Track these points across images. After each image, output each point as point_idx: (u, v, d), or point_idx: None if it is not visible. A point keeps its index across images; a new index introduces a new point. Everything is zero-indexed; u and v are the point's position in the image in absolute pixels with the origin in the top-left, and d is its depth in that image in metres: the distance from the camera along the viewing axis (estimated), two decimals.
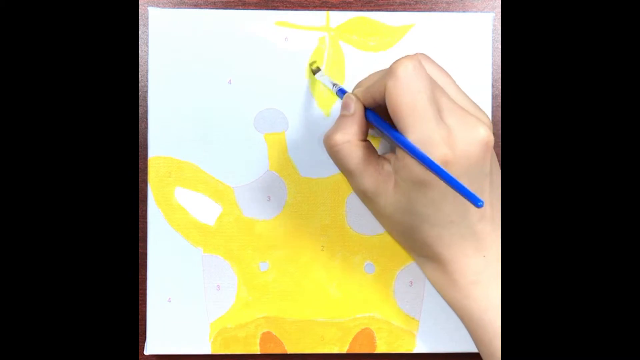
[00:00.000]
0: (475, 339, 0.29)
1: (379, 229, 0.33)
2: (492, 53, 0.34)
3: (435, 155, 0.24)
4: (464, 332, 0.33)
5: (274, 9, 0.34)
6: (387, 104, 0.25)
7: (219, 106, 0.33)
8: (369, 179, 0.28)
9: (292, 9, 0.34)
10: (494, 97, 0.34)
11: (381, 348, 0.33)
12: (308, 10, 0.34)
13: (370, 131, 0.31)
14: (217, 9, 0.34)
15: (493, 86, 0.34)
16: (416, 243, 0.29)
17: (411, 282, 0.33)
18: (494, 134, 0.33)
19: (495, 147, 0.33)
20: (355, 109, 0.28)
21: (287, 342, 0.33)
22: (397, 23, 0.33)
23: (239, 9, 0.34)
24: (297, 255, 0.33)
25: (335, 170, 0.33)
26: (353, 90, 0.29)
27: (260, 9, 0.34)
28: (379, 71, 0.29)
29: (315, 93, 0.33)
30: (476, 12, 0.35)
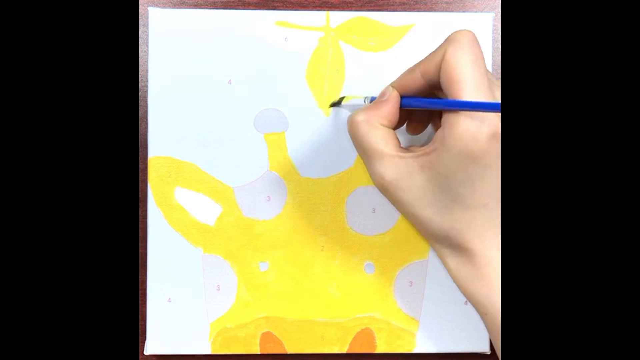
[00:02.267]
0: (495, 334, 0.27)
1: (379, 229, 0.33)
2: (492, 53, 0.34)
3: (488, 123, 0.24)
4: (464, 332, 0.33)
5: (274, 9, 0.34)
6: (445, 69, 0.25)
7: (219, 106, 0.33)
8: (388, 161, 0.27)
9: (292, 9, 0.34)
10: None
11: (381, 348, 0.33)
12: (308, 10, 0.34)
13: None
14: (217, 9, 0.34)
15: None
16: (442, 229, 0.27)
17: (411, 282, 0.33)
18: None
19: None
20: (390, 96, 0.28)
21: (287, 342, 0.33)
22: (397, 23, 0.33)
23: (239, 9, 0.34)
24: (297, 255, 0.33)
25: (335, 170, 0.33)
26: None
27: (260, 9, 0.34)
28: (427, 55, 0.28)
29: (315, 93, 0.33)
30: (476, 12, 0.35)
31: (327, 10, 0.33)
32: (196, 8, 0.34)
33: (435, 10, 0.35)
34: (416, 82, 0.27)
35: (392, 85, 0.28)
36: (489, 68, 0.33)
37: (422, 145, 0.28)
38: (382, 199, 0.33)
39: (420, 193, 0.26)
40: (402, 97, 0.28)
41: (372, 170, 0.28)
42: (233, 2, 0.35)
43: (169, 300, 0.33)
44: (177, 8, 0.34)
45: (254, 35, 0.33)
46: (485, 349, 0.33)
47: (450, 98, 0.25)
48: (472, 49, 0.25)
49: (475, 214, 0.26)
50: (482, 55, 0.25)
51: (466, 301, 0.33)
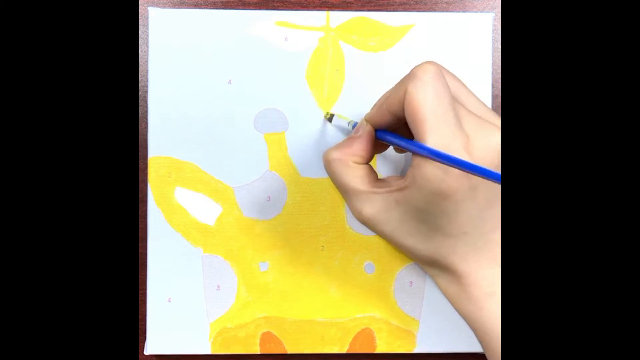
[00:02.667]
0: (489, 352, 0.28)
1: None
2: (492, 53, 0.34)
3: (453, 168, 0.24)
4: (464, 332, 0.33)
5: (274, 9, 0.34)
6: (407, 108, 0.25)
7: (219, 106, 0.33)
8: (363, 196, 0.27)
9: (292, 9, 0.34)
10: (494, 97, 0.34)
11: (381, 348, 0.33)
12: (308, 10, 0.34)
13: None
14: (217, 9, 0.34)
15: (493, 86, 0.34)
16: (427, 256, 0.28)
17: (411, 282, 0.33)
18: None
19: None
20: (363, 131, 0.28)
21: (287, 342, 0.33)
22: (397, 23, 0.33)
23: (239, 9, 0.34)
24: (297, 255, 0.33)
25: None
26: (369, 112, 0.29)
27: (260, 9, 0.34)
28: (392, 87, 0.28)
29: (315, 93, 0.33)
30: (476, 12, 0.35)
31: (327, 10, 0.33)
32: (196, 8, 0.34)
33: (435, 10, 0.35)
34: (385, 117, 0.27)
35: (366, 118, 0.28)
36: (489, 68, 0.33)
37: (398, 177, 0.29)
38: None
39: (399, 225, 0.27)
40: (377, 131, 0.28)
41: (350, 206, 0.28)
42: (233, 2, 0.35)
43: (169, 300, 0.33)
44: (177, 8, 0.34)
45: (254, 35, 0.33)
46: None
47: (415, 136, 0.25)
48: (433, 86, 0.25)
49: (456, 242, 0.27)
50: (446, 89, 0.25)
51: None
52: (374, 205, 0.27)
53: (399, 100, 0.26)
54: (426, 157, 0.25)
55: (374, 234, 0.33)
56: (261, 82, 0.33)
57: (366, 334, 0.33)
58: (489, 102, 0.33)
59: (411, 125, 0.25)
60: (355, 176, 0.28)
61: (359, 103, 0.33)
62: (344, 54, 0.33)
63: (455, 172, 0.24)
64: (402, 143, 0.26)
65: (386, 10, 0.35)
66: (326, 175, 0.33)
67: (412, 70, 0.25)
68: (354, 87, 0.33)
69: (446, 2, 0.35)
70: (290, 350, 0.33)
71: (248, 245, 0.33)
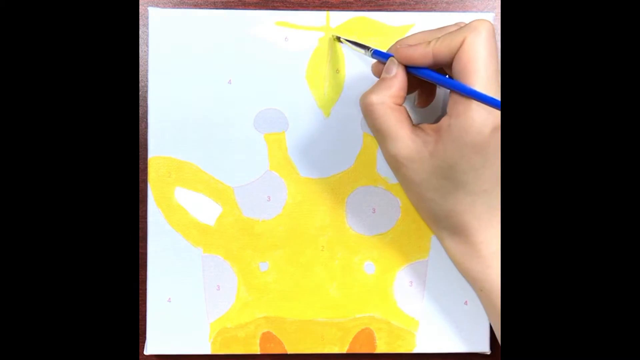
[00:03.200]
0: (492, 310, 0.29)
1: (379, 229, 0.33)
2: None
3: (492, 117, 0.26)
4: (464, 332, 0.33)
5: (274, 9, 0.34)
6: (461, 57, 0.26)
7: (219, 106, 0.33)
8: (402, 142, 0.28)
9: (292, 9, 0.34)
10: None
11: (381, 348, 0.33)
12: (308, 10, 0.34)
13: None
14: (217, 9, 0.34)
15: None
16: (443, 212, 0.29)
17: (411, 282, 0.33)
18: None
19: None
20: (397, 72, 0.28)
21: (287, 342, 0.33)
22: (397, 23, 0.33)
23: (239, 9, 0.34)
24: (297, 255, 0.33)
25: (335, 170, 0.33)
26: (393, 45, 0.29)
27: (260, 9, 0.34)
28: (429, 31, 0.29)
29: (315, 93, 0.33)
30: (476, 12, 0.35)
31: (327, 10, 0.33)
32: (196, 8, 0.34)
33: (435, 10, 0.35)
34: (426, 57, 0.27)
35: (399, 55, 0.28)
36: None
37: (433, 124, 0.29)
38: (382, 199, 0.33)
39: (426, 177, 0.28)
40: (419, 69, 0.28)
41: (386, 149, 0.29)
42: (233, 2, 0.35)
43: (169, 300, 0.33)
44: (177, 8, 0.34)
45: (254, 35, 0.33)
46: (485, 349, 0.33)
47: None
48: (490, 42, 0.26)
49: (476, 199, 0.27)
50: (497, 49, 0.26)
51: (466, 301, 0.33)
52: (409, 152, 0.28)
53: (450, 49, 0.26)
54: (471, 99, 0.26)
55: (373, 234, 0.33)
56: (261, 82, 0.33)
57: (366, 334, 0.33)
58: None
59: (460, 74, 0.26)
60: (397, 120, 0.28)
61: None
62: (344, 54, 0.33)
63: (491, 126, 0.26)
64: (447, 83, 0.26)
65: (386, 10, 0.35)
66: (326, 175, 0.33)
67: (472, 23, 0.26)
68: (354, 87, 0.33)
69: (446, 2, 0.35)
70: (290, 350, 0.33)
71: (248, 245, 0.33)
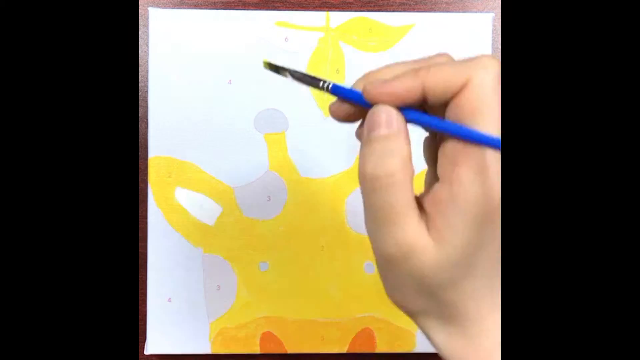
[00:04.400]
0: None
1: None
2: (492, 53, 0.34)
3: (498, 179, 0.20)
4: None
5: (274, 9, 0.34)
6: (470, 95, 0.20)
7: (219, 106, 0.33)
8: (411, 228, 0.20)
9: (292, 9, 0.34)
10: None
11: (381, 348, 0.33)
12: (308, 10, 0.34)
13: None
14: (217, 9, 0.34)
15: None
16: (440, 305, 0.22)
17: None
18: None
19: None
20: (399, 124, 0.21)
21: (287, 342, 0.33)
22: (397, 23, 0.33)
23: (239, 9, 0.34)
24: (297, 255, 0.33)
25: (335, 170, 0.33)
26: (368, 83, 0.21)
27: (260, 9, 0.34)
28: (400, 63, 0.22)
29: (315, 93, 0.33)
30: (476, 12, 0.35)
31: (327, 11, 0.33)
32: (196, 8, 0.34)
33: (435, 11, 0.35)
34: (413, 93, 0.21)
35: (376, 92, 0.21)
36: None
37: (424, 195, 0.22)
38: None
39: (429, 272, 0.21)
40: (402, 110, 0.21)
41: (384, 240, 0.21)
42: (233, 2, 0.35)
43: (169, 300, 0.33)
44: (177, 8, 0.34)
45: (254, 35, 0.33)
46: None
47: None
48: (498, 83, 0.21)
49: (480, 283, 0.22)
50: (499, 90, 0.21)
51: None
52: (416, 243, 0.21)
53: (452, 82, 0.20)
54: (489, 147, 0.20)
55: None
56: (261, 82, 0.33)
57: (366, 334, 0.33)
58: None
59: (462, 115, 0.20)
60: (411, 194, 0.21)
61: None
62: (344, 54, 0.33)
63: (499, 186, 0.20)
64: (452, 130, 0.20)
65: (386, 10, 0.35)
66: (326, 175, 0.33)
67: (479, 59, 0.21)
68: None
69: (446, 2, 0.35)
70: (290, 350, 0.33)
71: (248, 245, 0.33)
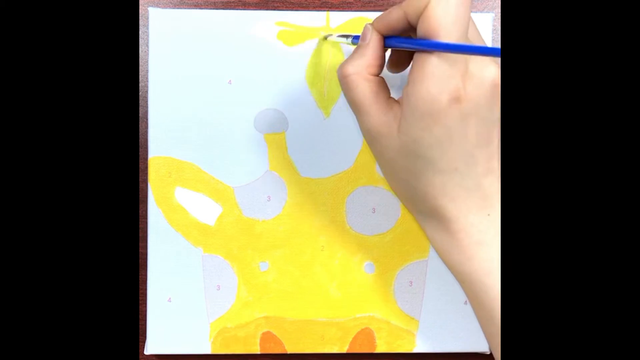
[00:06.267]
0: (475, 304, 0.27)
1: (379, 229, 0.33)
2: None
3: (450, 86, 0.24)
4: (464, 332, 0.33)
5: (274, 9, 0.34)
6: (424, 20, 0.24)
7: (219, 106, 0.33)
8: (375, 116, 0.26)
9: (292, 9, 0.34)
10: None
11: (381, 348, 0.33)
12: (308, 10, 0.34)
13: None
14: (217, 9, 0.34)
15: None
16: (418, 194, 0.27)
17: (411, 282, 0.33)
18: None
19: None
20: (371, 38, 0.27)
21: (287, 342, 0.33)
22: None
23: (239, 9, 0.34)
24: (297, 255, 0.33)
25: (335, 170, 0.33)
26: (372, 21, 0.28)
27: (260, 9, 0.34)
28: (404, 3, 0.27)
29: (315, 93, 0.33)
30: (476, 12, 0.35)
31: (327, 11, 0.33)
32: (196, 8, 0.34)
33: None
34: (400, 19, 0.26)
35: (374, 24, 0.27)
36: None
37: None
38: (382, 199, 0.33)
39: (396, 154, 0.26)
40: (386, 38, 0.27)
41: (360, 123, 0.27)
42: (233, 2, 0.35)
43: (169, 300, 0.33)
44: (177, 8, 0.34)
45: (254, 35, 0.33)
46: (485, 349, 0.33)
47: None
48: (457, 8, 0.24)
49: (447, 179, 0.26)
50: (466, 17, 0.24)
51: (466, 301, 0.33)
52: (381, 127, 0.26)
53: (418, 7, 0.25)
54: (431, 53, 0.24)
55: (373, 234, 0.33)
56: (261, 82, 0.33)
57: (366, 334, 0.33)
58: None
59: (425, 32, 0.24)
60: (372, 91, 0.26)
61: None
62: (344, 54, 0.33)
63: (448, 95, 0.24)
64: (411, 44, 0.25)
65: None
66: (326, 175, 0.33)
67: None
68: None
69: None
70: (290, 350, 0.33)
71: (248, 245, 0.33)
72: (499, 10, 0.35)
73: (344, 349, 0.33)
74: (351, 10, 0.34)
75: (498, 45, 0.34)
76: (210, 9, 0.34)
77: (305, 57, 0.33)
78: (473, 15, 0.33)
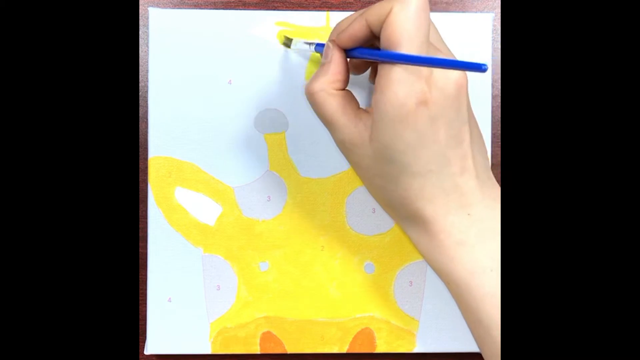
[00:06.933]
0: (462, 305, 0.28)
1: (379, 229, 0.33)
2: (492, 53, 0.34)
3: (416, 90, 0.24)
4: (464, 332, 0.33)
5: (274, 9, 0.34)
6: (386, 27, 0.25)
7: (219, 106, 0.33)
8: (346, 128, 0.27)
9: (292, 9, 0.34)
10: (493, 97, 0.34)
11: (381, 348, 0.33)
12: (308, 10, 0.34)
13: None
14: (217, 9, 0.34)
15: (493, 86, 0.34)
16: (396, 199, 0.27)
17: (411, 282, 0.33)
18: (494, 134, 0.33)
19: (495, 146, 0.33)
20: (332, 55, 0.27)
21: (287, 342, 0.33)
22: None
23: (239, 9, 0.34)
24: (297, 255, 0.33)
25: (335, 170, 0.33)
26: (331, 33, 0.28)
27: (260, 9, 0.34)
28: (374, 4, 0.27)
29: None
30: (476, 12, 0.35)
31: (327, 11, 0.33)
32: (196, 8, 0.34)
33: (435, 11, 0.35)
34: (362, 29, 0.26)
35: (339, 39, 0.27)
36: (489, 68, 0.33)
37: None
38: None
39: (371, 162, 0.27)
40: (348, 50, 0.28)
41: (333, 137, 0.28)
42: (233, 2, 0.35)
43: (169, 300, 0.33)
44: (177, 8, 0.34)
45: (254, 35, 0.33)
46: None
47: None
48: (418, 14, 0.24)
49: (423, 182, 0.26)
50: (427, 23, 0.25)
51: None
52: (352, 139, 0.27)
53: (380, 16, 0.25)
54: (399, 64, 0.24)
55: (373, 234, 0.33)
56: (261, 82, 0.33)
57: (366, 334, 0.33)
58: (489, 102, 0.33)
59: (387, 45, 0.25)
60: (339, 105, 0.27)
61: (360, 103, 0.33)
62: None
63: (415, 99, 0.24)
64: (374, 55, 0.26)
65: None
66: (326, 175, 0.33)
67: None
68: (353, 87, 0.33)
69: (446, 2, 0.35)
70: (290, 350, 0.33)
71: (248, 245, 0.33)
72: (499, 10, 0.35)
73: (344, 349, 0.33)
74: (351, 10, 0.34)
75: (498, 45, 0.34)
76: (210, 9, 0.34)
77: (306, 57, 0.33)
78: (473, 15, 0.33)
